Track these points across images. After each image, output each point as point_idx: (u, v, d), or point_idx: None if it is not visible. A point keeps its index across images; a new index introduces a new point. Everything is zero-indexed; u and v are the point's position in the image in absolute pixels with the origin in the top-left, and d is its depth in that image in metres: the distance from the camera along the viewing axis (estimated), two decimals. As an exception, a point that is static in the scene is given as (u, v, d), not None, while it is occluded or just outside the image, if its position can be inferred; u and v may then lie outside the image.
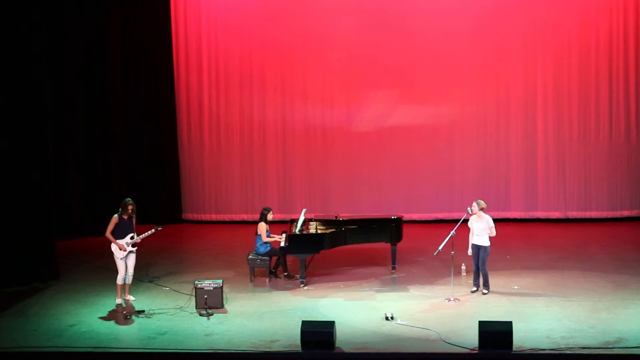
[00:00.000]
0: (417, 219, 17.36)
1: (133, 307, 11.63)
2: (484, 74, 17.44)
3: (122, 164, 17.69)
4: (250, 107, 17.97)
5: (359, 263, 13.93)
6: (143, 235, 11.87)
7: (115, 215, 11.77)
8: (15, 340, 10.32)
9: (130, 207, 11.77)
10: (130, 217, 11.82)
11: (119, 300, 11.82)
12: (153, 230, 11.98)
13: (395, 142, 17.69)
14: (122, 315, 11.31)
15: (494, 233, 11.94)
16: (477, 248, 11.96)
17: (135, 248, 11.88)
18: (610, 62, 17.15)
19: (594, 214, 17.49)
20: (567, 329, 10.22)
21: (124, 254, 11.76)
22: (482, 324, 9.71)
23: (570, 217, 17.52)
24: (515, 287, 12.24)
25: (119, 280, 11.82)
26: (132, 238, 11.79)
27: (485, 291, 11.91)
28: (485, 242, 11.91)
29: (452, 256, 11.85)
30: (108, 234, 11.72)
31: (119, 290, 11.84)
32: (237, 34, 17.79)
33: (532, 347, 9.63)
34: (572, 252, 14.65)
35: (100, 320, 11.15)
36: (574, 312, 10.91)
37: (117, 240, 11.70)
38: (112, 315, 11.36)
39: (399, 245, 13.37)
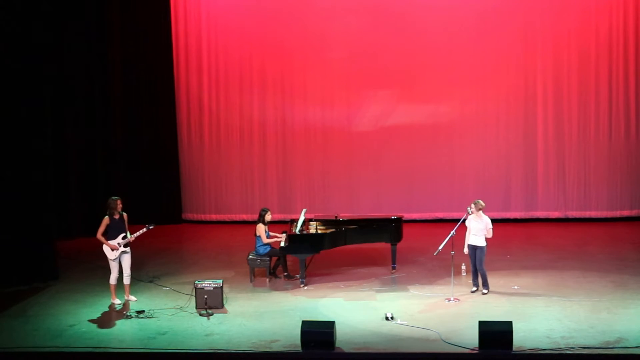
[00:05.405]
0: (417, 219, 17.36)
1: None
2: (483, 73, 17.43)
3: (122, 164, 17.69)
4: (250, 107, 17.97)
5: (359, 263, 13.92)
6: (135, 234, 11.79)
7: (106, 217, 11.70)
8: (15, 340, 10.32)
9: (118, 203, 11.66)
10: (121, 216, 11.76)
11: (116, 301, 11.80)
12: (144, 229, 11.89)
13: (395, 142, 17.68)
14: (123, 315, 11.29)
15: (490, 234, 11.92)
16: (473, 248, 11.94)
17: (128, 248, 11.85)
18: (610, 62, 17.14)
19: (593, 214, 17.48)
20: (567, 329, 10.22)
21: (116, 255, 11.71)
22: (482, 324, 9.71)
23: (570, 217, 17.51)
24: (515, 287, 12.24)
25: (112, 280, 11.78)
26: (124, 238, 11.76)
27: (485, 291, 11.90)
28: (481, 243, 11.89)
29: (452, 256, 11.85)
30: (99, 235, 11.67)
31: (112, 291, 11.82)
32: (237, 34, 17.79)
33: (532, 347, 9.63)
34: (572, 252, 14.64)
35: (100, 320, 11.15)
36: (574, 312, 10.91)
37: (109, 241, 11.67)
38: (112, 315, 11.36)
39: (399, 245, 13.37)
